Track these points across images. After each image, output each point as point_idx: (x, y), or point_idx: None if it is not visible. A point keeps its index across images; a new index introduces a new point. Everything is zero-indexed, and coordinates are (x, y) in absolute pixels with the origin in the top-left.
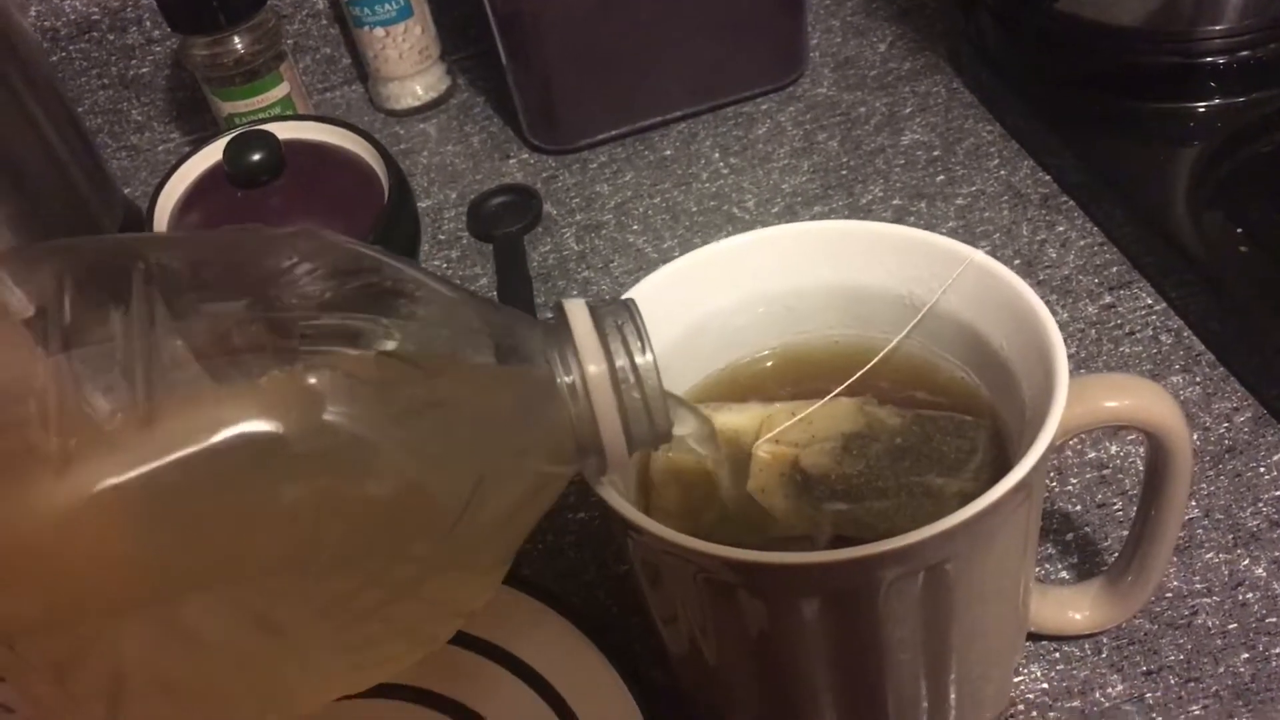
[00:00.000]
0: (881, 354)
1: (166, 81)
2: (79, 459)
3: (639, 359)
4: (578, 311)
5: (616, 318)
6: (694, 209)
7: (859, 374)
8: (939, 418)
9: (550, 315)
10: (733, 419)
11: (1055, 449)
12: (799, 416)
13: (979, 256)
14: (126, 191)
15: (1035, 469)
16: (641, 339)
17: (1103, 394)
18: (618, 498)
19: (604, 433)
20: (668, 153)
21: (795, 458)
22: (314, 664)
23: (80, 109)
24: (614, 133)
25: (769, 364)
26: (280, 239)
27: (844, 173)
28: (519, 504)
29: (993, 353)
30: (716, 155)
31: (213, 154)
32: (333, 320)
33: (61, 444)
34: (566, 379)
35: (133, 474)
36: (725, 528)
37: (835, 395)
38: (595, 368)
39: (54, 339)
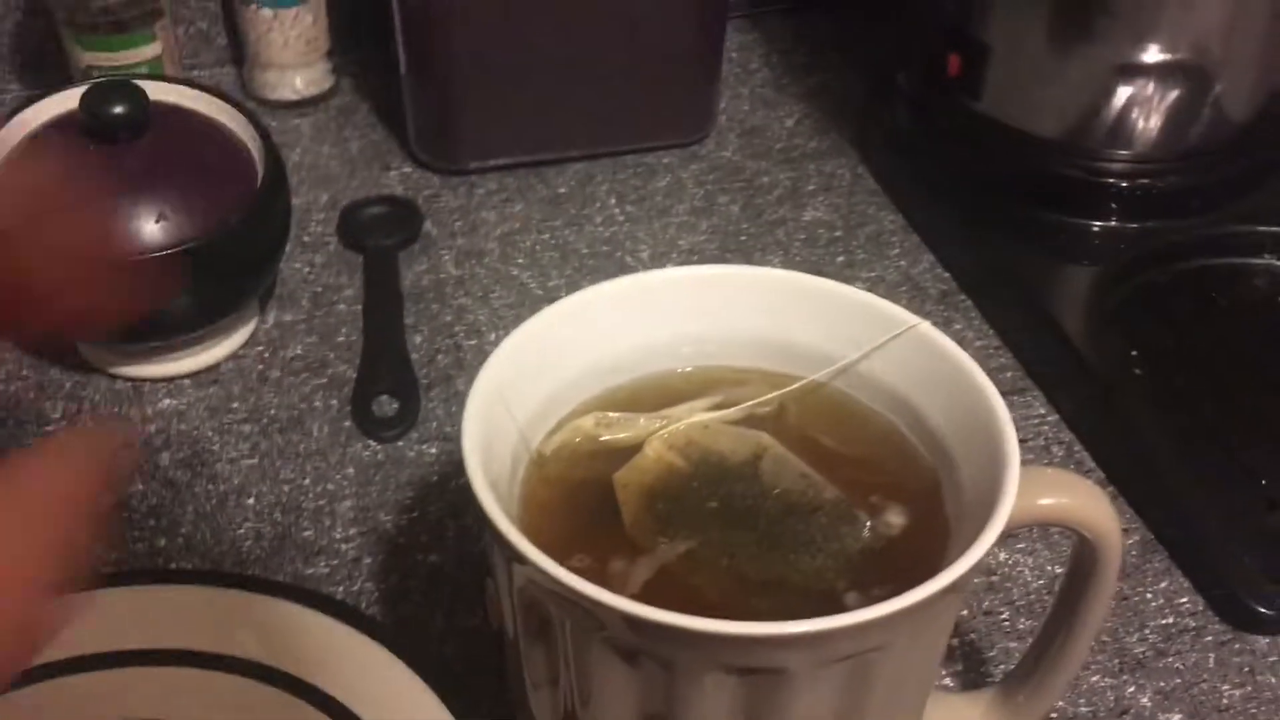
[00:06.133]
0: (807, 380)
1: (16, 26)
2: None
3: None
4: None
5: None
6: (585, 250)
7: (788, 389)
8: (835, 499)
9: None
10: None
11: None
12: (701, 418)
13: (924, 326)
14: None
15: (978, 564)
16: None
17: (1042, 490)
18: (513, 529)
19: None
20: (562, 190)
21: (673, 465)
22: None
23: None
24: (507, 160)
25: (687, 369)
26: None
27: (743, 238)
28: None
29: (928, 428)
30: (613, 201)
31: (66, 101)
32: None
33: None
34: None
35: None
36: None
37: (753, 404)
38: None
39: None
